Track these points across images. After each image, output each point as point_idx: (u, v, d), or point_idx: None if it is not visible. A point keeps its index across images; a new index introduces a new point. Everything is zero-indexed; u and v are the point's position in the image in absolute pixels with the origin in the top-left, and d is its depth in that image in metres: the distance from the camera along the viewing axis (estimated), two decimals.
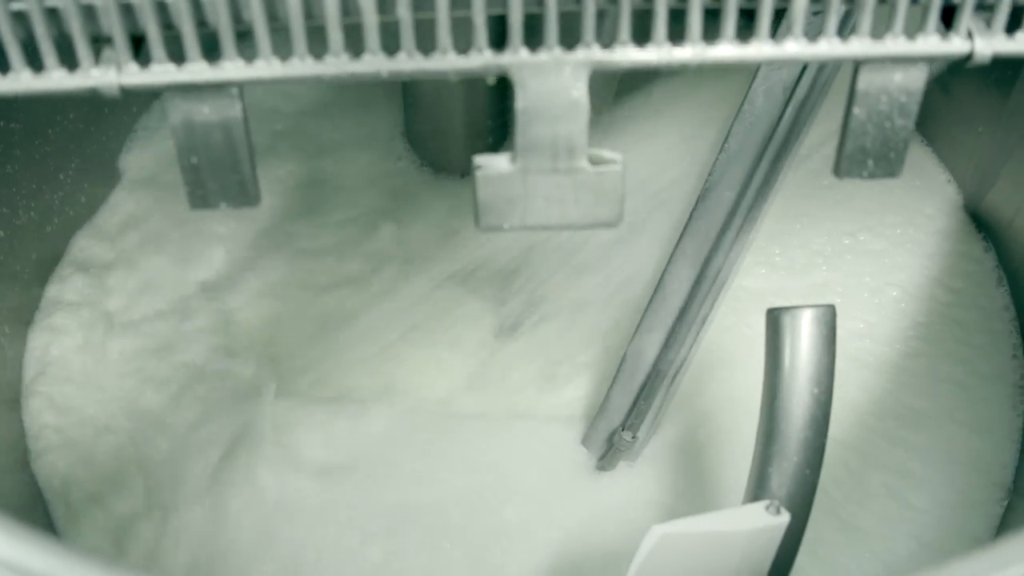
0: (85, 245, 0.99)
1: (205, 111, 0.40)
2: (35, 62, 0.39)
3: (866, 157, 0.43)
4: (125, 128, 1.05)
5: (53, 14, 0.37)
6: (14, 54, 0.38)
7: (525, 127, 0.40)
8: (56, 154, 0.93)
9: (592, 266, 0.95)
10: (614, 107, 0.92)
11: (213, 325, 0.95)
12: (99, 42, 0.39)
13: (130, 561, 0.84)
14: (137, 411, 0.90)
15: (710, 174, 0.75)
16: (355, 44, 0.39)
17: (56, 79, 0.39)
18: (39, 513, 0.85)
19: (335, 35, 0.38)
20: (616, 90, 0.94)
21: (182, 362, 0.92)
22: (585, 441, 0.88)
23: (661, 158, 0.92)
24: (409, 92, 1.01)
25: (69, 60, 0.39)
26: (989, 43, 0.40)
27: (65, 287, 0.96)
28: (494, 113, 0.98)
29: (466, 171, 0.96)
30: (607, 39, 0.39)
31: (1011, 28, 0.40)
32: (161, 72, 0.39)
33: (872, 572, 0.84)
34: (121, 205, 1.02)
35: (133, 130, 1.06)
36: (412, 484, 0.87)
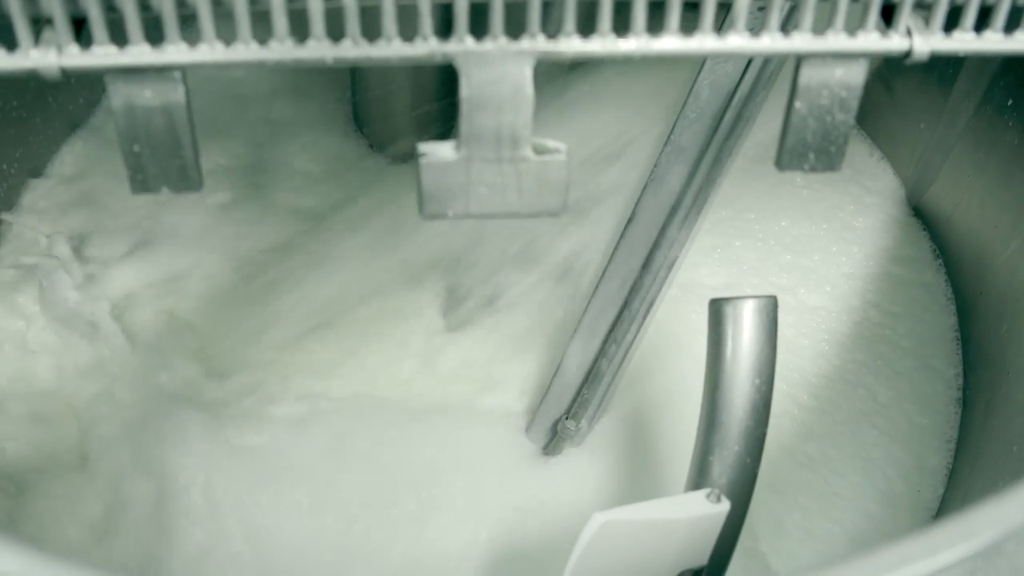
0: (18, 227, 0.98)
1: (147, 95, 0.40)
2: None
3: (807, 151, 0.44)
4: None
5: None
6: None
7: (469, 116, 0.40)
8: None
9: (540, 253, 0.95)
10: (560, 94, 0.93)
11: (148, 312, 0.94)
12: (39, 23, 0.38)
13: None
14: (63, 404, 0.89)
15: (656, 165, 0.76)
16: (300, 30, 0.39)
17: None
18: None
19: (280, 20, 0.38)
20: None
21: (114, 352, 0.91)
22: (529, 430, 0.89)
23: (608, 148, 0.92)
24: (357, 75, 1.01)
25: (8, 40, 0.38)
26: (927, 41, 0.41)
27: None
28: (442, 97, 0.98)
29: (413, 154, 0.96)
30: (552, 29, 0.39)
31: (949, 27, 0.41)
32: (103, 55, 0.38)
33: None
34: (60, 186, 1.01)
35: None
36: (357, 473, 0.87)
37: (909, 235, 1.01)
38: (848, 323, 0.96)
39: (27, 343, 0.91)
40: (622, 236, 0.79)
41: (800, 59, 0.41)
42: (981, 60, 0.88)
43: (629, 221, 0.78)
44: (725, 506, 0.56)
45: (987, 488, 0.81)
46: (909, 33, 0.41)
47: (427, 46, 0.39)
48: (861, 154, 1.06)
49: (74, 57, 0.38)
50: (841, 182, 1.04)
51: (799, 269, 0.98)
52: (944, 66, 0.94)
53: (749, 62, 0.71)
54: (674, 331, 0.92)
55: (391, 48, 0.39)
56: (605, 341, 0.82)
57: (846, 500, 0.88)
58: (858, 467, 0.89)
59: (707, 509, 0.55)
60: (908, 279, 0.99)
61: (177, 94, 0.40)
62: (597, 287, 0.82)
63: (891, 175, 1.05)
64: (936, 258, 1.00)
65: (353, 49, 0.39)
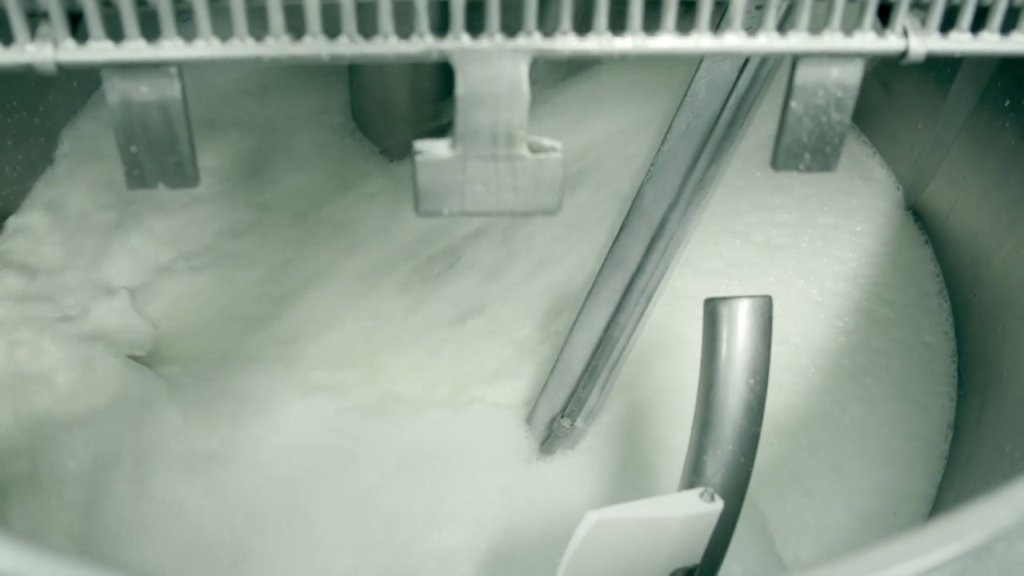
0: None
1: (143, 90, 0.40)
2: None
3: (803, 150, 0.44)
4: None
5: None
6: None
7: (465, 113, 0.40)
8: None
9: (537, 252, 0.95)
10: (559, 92, 0.93)
11: (144, 302, 0.94)
12: (35, 17, 0.38)
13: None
14: (55, 395, 0.88)
15: (652, 164, 0.76)
16: (296, 26, 0.39)
17: None
18: None
19: (276, 17, 0.38)
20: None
21: (108, 345, 0.91)
22: (527, 426, 0.89)
23: (605, 146, 0.92)
24: (355, 72, 1.01)
25: (4, 35, 0.38)
26: (924, 41, 0.41)
27: None
28: (440, 95, 0.98)
29: (411, 152, 0.96)
30: (549, 27, 0.39)
31: (945, 27, 0.41)
32: (99, 50, 0.38)
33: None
34: (54, 184, 1.00)
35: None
36: (353, 467, 0.87)
37: (905, 235, 1.01)
38: (837, 327, 0.96)
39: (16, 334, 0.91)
40: (618, 235, 0.79)
41: (796, 58, 0.41)
42: (978, 60, 0.88)
43: (625, 221, 0.78)
44: (719, 505, 0.56)
45: (980, 488, 0.81)
46: (905, 33, 0.41)
47: (423, 43, 0.39)
48: (857, 153, 1.06)
49: (70, 52, 0.38)
50: (837, 181, 1.04)
51: (790, 269, 0.98)
52: (942, 66, 0.94)
53: (746, 61, 0.71)
54: (668, 330, 0.92)
55: (387, 45, 0.39)
56: (601, 340, 0.82)
57: (817, 501, 0.88)
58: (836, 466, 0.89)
59: (701, 508, 0.55)
60: (903, 286, 0.98)
61: (173, 90, 0.40)
62: (593, 286, 0.82)
63: (888, 175, 1.05)
64: (933, 262, 0.99)
65: (349, 46, 0.39)
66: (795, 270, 0.98)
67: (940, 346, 0.95)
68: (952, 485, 0.87)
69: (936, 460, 0.90)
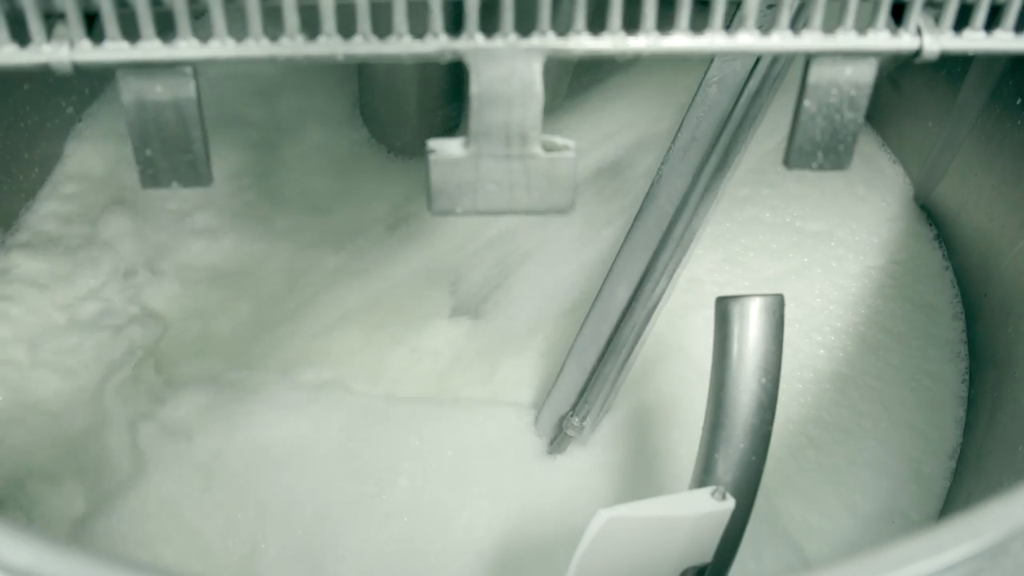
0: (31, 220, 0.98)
1: (158, 90, 0.40)
2: None
3: (816, 149, 0.44)
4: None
5: None
6: None
7: (479, 112, 0.40)
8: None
9: (546, 252, 0.95)
10: (568, 95, 0.93)
11: (155, 303, 0.94)
12: (52, 18, 0.38)
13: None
14: (66, 390, 0.89)
15: (663, 164, 0.76)
16: (311, 26, 0.39)
17: (6, 54, 0.38)
18: None
19: (291, 17, 0.38)
20: (568, 85, 0.94)
21: (123, 340, 0.91)
22: (535, 427, 0.89)
23: (615, 146, 0.92)
24: (364, 72, 1.01)
25: (20, 35, 0.38)
26: (937, 40, 0.41)
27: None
28: (449, 94, 0.98)
29: (421, 151, 0.97)
30: (562, 26, 0.39)
31: (959, 26, 0.41)
32: (114, 49, 0.39)
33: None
34: (67, 179, 1.01)
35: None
36: (361, 467, 0.87)
37: (916, 233, 1.01)
38: (844, 325, 0.95)
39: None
40: (628, 234, 0.79)
41: (810, 57, 0.41)
42: (990, 59, 0.88)
43: (635, 219, 0.78)
44: (730, 504, 0.56)
45: (992, 487, 0.81)
46: (919, 32, 0.41)
47: (437, 43, 0.39)
48: (868, 151, 1.06)
49: (86, 52, 0.38)
50: (847, 179, 1.03)
51: (800, 267, 0.98)
52: (952, 64, 0.94)
53: (757, 60, 0.71)
54: (679, 329, 0.92)
55: (401, 45, 0.39)
56: (611, 339, 0.82)
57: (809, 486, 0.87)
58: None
59: (712, 507, 0.55)
60: (912, 291, 0.98)
61: (188, 89, 0.40)
62: (603, 285, 0.82)
63: (898, 173, 1.05)
64: (943, 259, 0.99)
65: (364, 45, 0.39)
66: (798, 269, 0.98)
67: (946, 375, 0.94)
68: (964, 485, 0.87)
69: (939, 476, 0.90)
